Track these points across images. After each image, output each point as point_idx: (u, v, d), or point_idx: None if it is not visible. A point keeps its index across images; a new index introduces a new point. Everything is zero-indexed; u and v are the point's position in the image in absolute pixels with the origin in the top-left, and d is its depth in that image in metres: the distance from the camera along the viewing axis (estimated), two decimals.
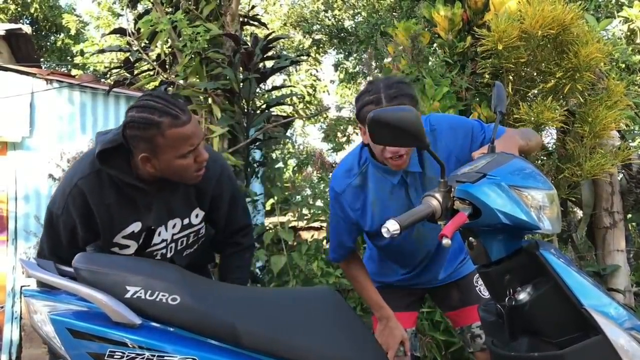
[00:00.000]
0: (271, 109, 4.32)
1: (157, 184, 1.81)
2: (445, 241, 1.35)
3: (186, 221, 1.94)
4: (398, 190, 1.97)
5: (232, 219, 2.07)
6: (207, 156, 1.76)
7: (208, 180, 1.91)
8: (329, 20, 13.17)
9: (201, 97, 3.85)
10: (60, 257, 1.80)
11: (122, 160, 1.76)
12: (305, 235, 4.63)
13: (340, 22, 12.99)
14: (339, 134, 4.82)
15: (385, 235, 1.36)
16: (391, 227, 1.35)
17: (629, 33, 5.92)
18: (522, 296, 1.45)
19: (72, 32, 13.82)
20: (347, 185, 2.00)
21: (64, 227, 1.83)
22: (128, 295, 1.48)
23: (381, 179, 1.97)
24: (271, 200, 4.09)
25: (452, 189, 1.44)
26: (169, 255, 1.98)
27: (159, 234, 1.91)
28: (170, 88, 3.89)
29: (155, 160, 1.71)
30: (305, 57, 10.78)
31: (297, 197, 4.16)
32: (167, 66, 4.08)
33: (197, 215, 1.96)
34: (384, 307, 2.09)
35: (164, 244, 1.94)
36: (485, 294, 2.17)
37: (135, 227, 1.86)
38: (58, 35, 14.44)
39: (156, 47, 4.03)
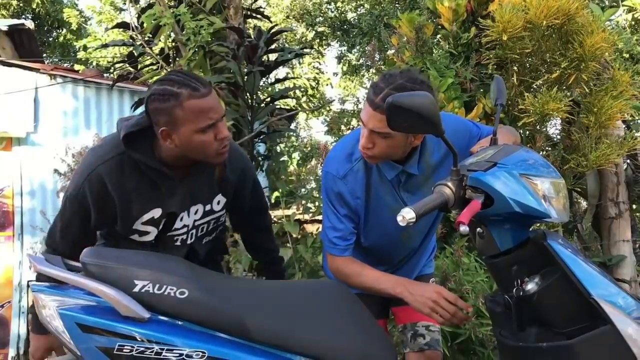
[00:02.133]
0: (275, 102, 4.32)
1: (181, 169, 1.81)
2: (463, 228, 1.34)
3: (208, 207, 1.94)
4: (391, 187, 1.90)
5: (256, 202, 2.15)
6: (228, 134, 1.73)
7: (234, 170, 1.94)
8: (332, 12, 13.13)
9: None
10: (68, 240, 1.83)
11: (146, 144, 1.75)
12: (310, 228, 4.63)
13: (343, 14, 12.95)
14: (342, 127, 4.81)
15: (401, 224, 1.34)
16: (407, 215, 1.34)
17: (633, 22, 5.89)
18: (530, 286, 1.45)
19: (74, 26, 13.81)
20: (349, 170, 1.88)
21: (78, 209, 1.81)
22: (136, 289, 1.48)
23: (379, 169, 1.88)
24: (276, 194, 4.09)
25: (465, 178, 1.44)
26: (189, 241, 1.97)
27: (181, 219, 1.90)
28: None
29: (175, 135, 1.68)
30: (308, 50, 10.75)
31: (302, 190, 4.16)
32: (170, 60, 4.08)
33: (218, 202, 1.96)
34: (396, 277, 1.86)
35: (185, 229, 1.94)
36: None
37: (156, 213, 1.85)
38: (60, 31, 14.43)
39: (160, 41, 4.03)
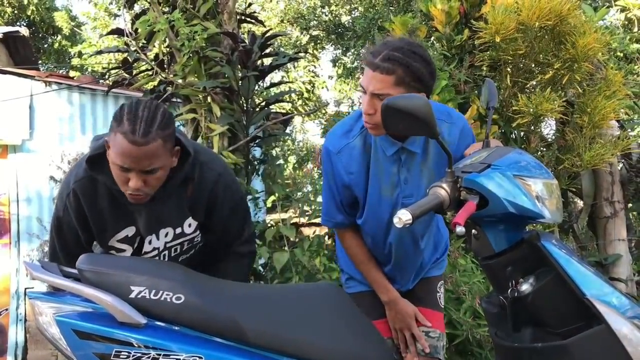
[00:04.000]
0: (270, 107, 4.32)
1: None
2: (459, 229, 1.35)
3: (179, 230, 1.93)
4: (390, 164, 1.88)
5: (231, 227, 2.01)
6: (137, 188, 1.68)
7: (201, 190, 1.88)
8: (326, 16, 13.14)
9: (200, 96, 3.85)
10: (72, 257, 1.78)
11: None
12: (307, 231, 4.63)
13: (337, 18, 12.96)
14: None
15: (398, 225, 1.35)
16: (403, 217, 1.34)
17: (626, 22, 5.91)
18: (525, 287, 1.46)
19: (65, 31, 13.80)
20: (345, 145, 1.89)
21: (67, 228, 1.86)
22: (132, 295, 1.49)
23: (378, 145, 1.87)
24: (272, 197, 4.09)
25: (459, 179, 1.45)
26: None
27: (150, 242, 1.91)
28: (169, 88, 3.89)
29: (109, 150, 1.71)
30: (302, 54, 10.74)
31: (298, 193, 4.16)
32: (165, 66, 4.07)
33: (190, 225, 1.94)
34: (390, 289, 2.01)
35: (155, 252, 1.94)
36: (443, 304, 2.18)
37: (129, 231, 1.87)
38: (55, 37, 14.42)
39: (154, 46, 4.02)
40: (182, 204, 1.88)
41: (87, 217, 1.82)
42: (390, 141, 1.85)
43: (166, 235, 1.91)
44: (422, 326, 2.06)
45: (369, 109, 1.75)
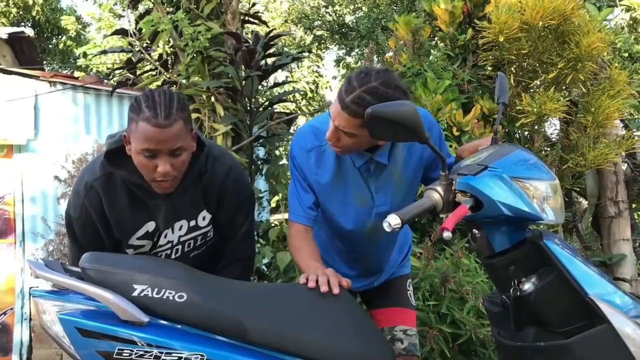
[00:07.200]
0: (274, 106, 4.33)
1: None
2: (446, 234, 1.35)
3: (193, 223, 1.93)
4: (358, 175, 1.85)
5: (234, 222, 2.00)
6: (167, 172, 1.69)
7: (214, 184, 1.90)
8: (330, 16, 13.15)
9: (204, 96, 3.86)
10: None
11: (129, 160, 1.76)
12: None
13: (341, 18, 12.97)
14: None
15: (387, 229, 1.35)
16: (392, 221, 1.35)
17: (631, 22, 5.90)
18: (527, 286, 1.46)
19: (72, 33, 13.85)
20: (316, 147, 1.86)
21: (83, 228, 1.84)
22: (135, 294, 1.49)
23: (348, 156, 1.83)
24: (276, 197, 4.10)
25: (454, 182, 1.45)
26: (173, 256, 1.97)
27: (165, 236, 1.92)
28: (172, 88, 3.90)
29: (130, 145, 1.72)
30: (306, 54, 10.75)
31: None
32: (169, 66, 4.08)
33: (204, 218, 1.94)
34: (318, 266, 1.80)
35: (169, 245, 1.94)
36: (414, 301, 2.17)
37: (150, 226, 1.87)
38: (60, 38, 14.47)
39: (158, 47, 4.04)
40: (197, 196, 1.90)
41: (107, 217, 1.82)
42: (359, 153, 1.82)
43: (180, 228, 1.92)
44: (400, 325, 2.06)
45: (331, 137, 1.73)
